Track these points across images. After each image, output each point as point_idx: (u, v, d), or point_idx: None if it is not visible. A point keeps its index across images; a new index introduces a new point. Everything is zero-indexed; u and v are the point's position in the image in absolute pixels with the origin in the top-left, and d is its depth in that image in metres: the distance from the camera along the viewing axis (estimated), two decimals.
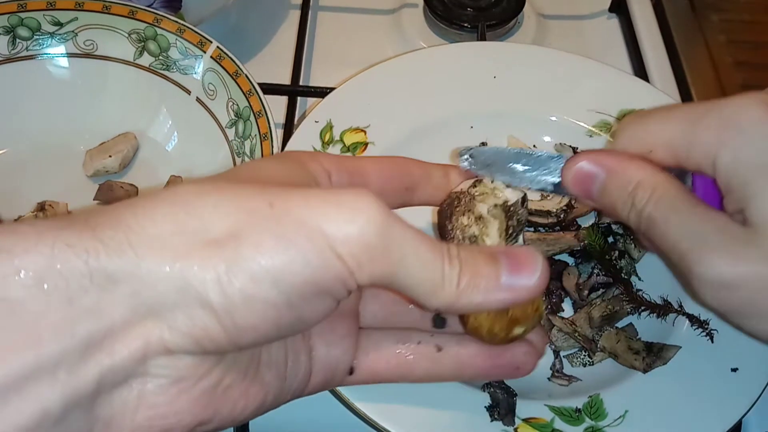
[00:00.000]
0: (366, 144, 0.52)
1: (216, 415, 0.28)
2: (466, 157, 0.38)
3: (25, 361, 0.21)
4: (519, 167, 0.38)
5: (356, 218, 0.25)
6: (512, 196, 0.37)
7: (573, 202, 0.51)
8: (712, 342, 0.44)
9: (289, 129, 0.57)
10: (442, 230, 0.37)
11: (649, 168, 0.34)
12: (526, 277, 0.30)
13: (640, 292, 0.47)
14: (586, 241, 0.47)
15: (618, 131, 0.38)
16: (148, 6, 0.55)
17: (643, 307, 0.46)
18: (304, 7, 0.70)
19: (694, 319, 0.45)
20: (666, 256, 0.34)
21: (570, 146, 0.54)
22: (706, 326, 0.45)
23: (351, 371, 0.34)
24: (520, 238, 0.41)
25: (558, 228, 0.50)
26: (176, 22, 0.54)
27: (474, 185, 0.37)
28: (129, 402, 0.25)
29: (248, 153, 0.49)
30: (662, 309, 0.46)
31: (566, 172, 0.36)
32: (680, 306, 0.46)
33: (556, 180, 0.37)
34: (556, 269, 0.48)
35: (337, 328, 0.34)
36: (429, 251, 0.28)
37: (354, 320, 0.35)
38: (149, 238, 0.24)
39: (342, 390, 0.40)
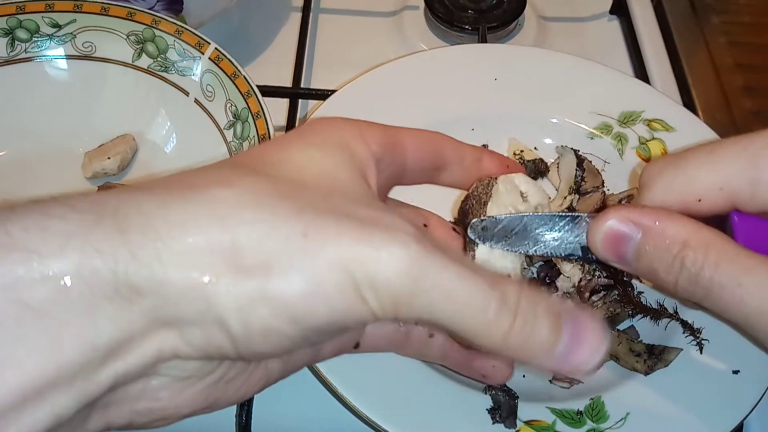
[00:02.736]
0: None
1: (215, 404, 0.28)
2: (478, 232, 0.34)
3: (47, 369, 0.21)
4: (541, 234, 0.33)
5: (384, 265, 0.24)
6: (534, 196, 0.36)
7: (573, 204, 0.51)
8: (701, 353, 0.44)
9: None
10: (466, 216, 0.36)
11: (692, 223, 0.29)
12: (585, 356, 0.27)
13: (642, 295, 0.47)
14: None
15: (646, 181, 0.33)
16: (149, 9, 0.55)
17: (638, 310, 0.46)
18: (306, 10, 0.70)
19: (687, 326, 0.45)
20: (735, 323, 0.30)
21: (571, 148, 0.54)
22: (698, 335, 0.45)
23: (356, 346, 0.35)
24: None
25: None
26: (174, 23, 0.54)
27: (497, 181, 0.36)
28: (131, 394, 0.25)
29: None
30: (656, 313, 0.46)
31: (593, 234, 0.31)
32: (675, 311, 0.46)
33: (584, 243, 0.33)
34: (556, 271, 0.48)
35: None
36: (472, 299, 0.25)
37: None
38: (179, 253, 0.23)
39: (344, 393, 0.40)
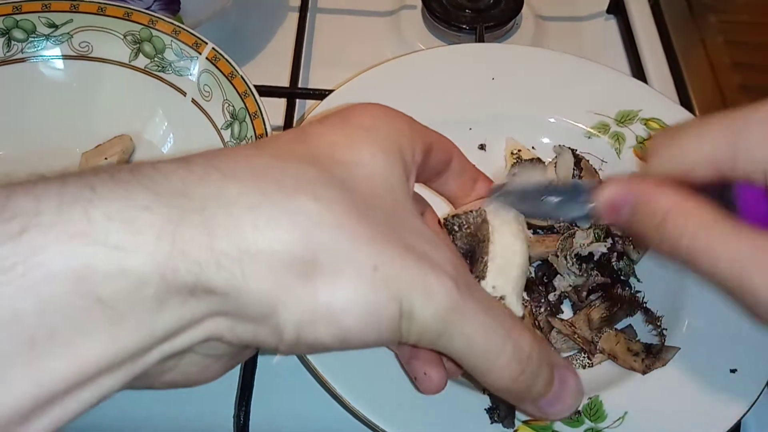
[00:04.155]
0: None
1: (231, 368, 0.29)
2: (500, 194, 0.36)
3: (103, 359, 0.21)
4: (551, 200, 0.36)
5: (428, 306, 0.26)
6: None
7: None
8: (664, 343, 0.45)
9: None
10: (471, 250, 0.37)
11: (678, 195, 0.32)
12: (558, 411, 0.30)
13: (639, 293, 0.47)
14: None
15: (650, 153, 0.35)
16: (146, 9, 0.55)
17: (623, 308, 0.46)
18: (303, 9, 0.70)
19: (649, 313, 0.46)
20: (716, 285, 0.32)
21: (569, 147, 0.54)
22: (658, 324, 0.45)
23: None
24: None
25: (556, 230, 0.50)
26: (171, 23, 0.54)
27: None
28: (163, 367, 0.26)
29: None
30: (629, 303, 0.46)
31: (597, 197, 0.34)
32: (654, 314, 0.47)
33: (586, 210, 0.35)
34: (553, 271, 0.48)
35: None
36: (488, 347, 0.27)
37: None
38: (261, 261, 0.23)
39: (342, 392, 0.40)
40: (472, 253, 0.37)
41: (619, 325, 0.46)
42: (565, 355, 0.46)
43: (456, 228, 0.37)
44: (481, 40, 0.66)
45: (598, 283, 0.47)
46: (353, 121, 0.30)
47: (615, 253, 0.47)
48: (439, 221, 0.39)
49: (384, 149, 0.29)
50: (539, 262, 0.50)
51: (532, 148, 0.56)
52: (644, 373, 0.43)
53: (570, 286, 0.47)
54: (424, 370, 0.34)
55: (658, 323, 0.45)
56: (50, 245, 0.20)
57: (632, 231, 0.34)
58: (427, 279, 0.26)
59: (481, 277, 0.34)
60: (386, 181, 0.28)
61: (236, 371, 0.46)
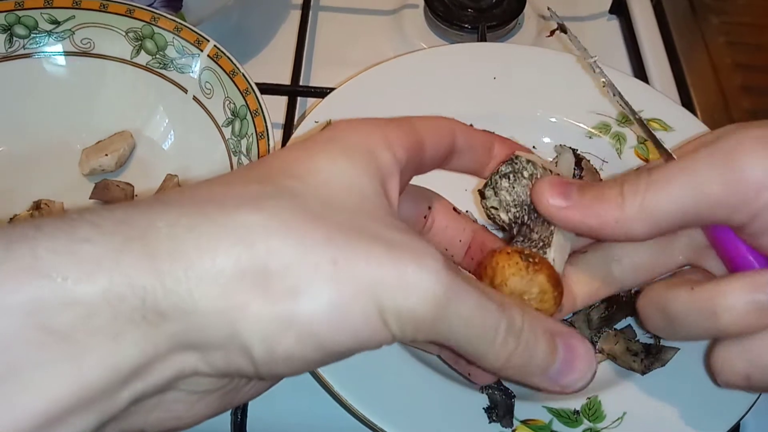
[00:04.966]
0: None
1: (225, 409, 0.28)
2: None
3: (70, 395, 0.21)
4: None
5: (412, 294, 0.24)
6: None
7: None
8: (660, 344, 0.44)
9: (288, 129, 0.57)
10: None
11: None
12: (573, 381, 0.29)
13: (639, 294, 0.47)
14: None
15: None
16: (148, 6, 0.55)
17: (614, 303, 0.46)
18: (305, 8, 0.70)
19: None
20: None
21: (570, 147, 0.54)
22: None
23: None
24: None
25: None
26: (173, 20, 0.54)
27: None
28: (146, 407, 0.25)
29: (244, 152, 0.49)
30: (626, 304, 0.46)
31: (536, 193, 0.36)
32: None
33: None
34: None
35: None
36: (485, 325, 0.26)
37: None
38: (208, 281, 0.22)
39: (340, 391, 0.40)
40: (521, 221, 0.37)
41: (619, 326, 0.46)
42: None
43: (524, 174, 0.37)
44: (483, 39, 0.66)
45: None
46: (315, 138, 0.29)
47: None
48: (455, 208, 0.39)
49: (347, 154, 0.28)
50: None
51: (534, 147, 0.56)
52: (643, 373, 0.43)
53: None
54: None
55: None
56: None
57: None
58: (402, 265, 0.24)
59: (546, 244, 0.35)
60: (349, 181, 0.27)
61: None
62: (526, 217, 0.37)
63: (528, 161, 0.37)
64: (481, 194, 0.38)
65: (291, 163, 0.27)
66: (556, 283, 0.34)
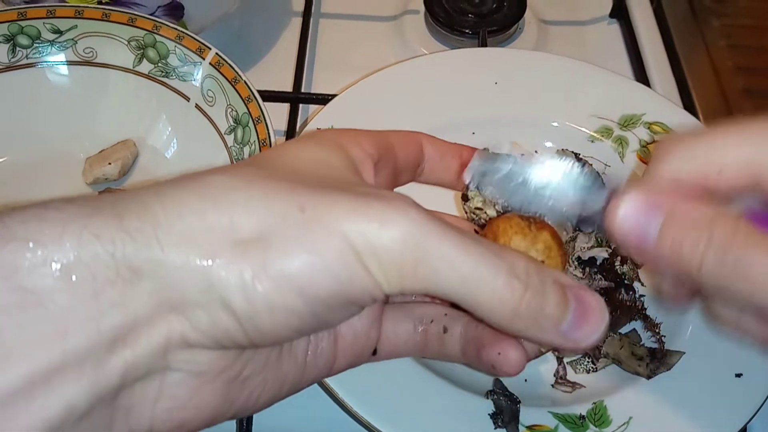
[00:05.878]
0: None
1: (232, 406, 0.28)
2: (474, 174, 0.35)
3: (53, 355, 0.21)
4: (542, 190, 0.32)
5: (384, 231, 0.24)
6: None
7: None
8: (664, 349, 0.44)
9: (291, 136, 0.57)
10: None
11: (710, 206, 0.28)
12: (587, 334, 0.27)
13: (643, 298, 0.47)
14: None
15: (662, 152, 0.30)
16: (150, 14, 0.55)
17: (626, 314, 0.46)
18: (306, 14, 0.70)
19: (647, 319, 0.46)
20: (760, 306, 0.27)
21: (572, 151, 0.54)
22: (656, 331, 0.45)
23: (374, 353, 0.34)
24: None
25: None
26: (175, 29, 0.54)
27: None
28: (149, 394, 0.25)
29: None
30: (629, 308, 0.45)
31: (611, 221, 0.29)
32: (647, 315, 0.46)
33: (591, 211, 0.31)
34: None
35: (364, 318, 0.32)
36: (479, 264, 0.25)
37: (379, 307, 0.34)
38: (176, 234, 0.23)
39: (345, 397, 0.40)
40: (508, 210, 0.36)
41: (624, 330, 0.46)
42: (568, 360, 0.46)
43: (495, 164, 0.36)
44: (483, 44, 0.66)
45: (601, 287, 0.47)
46: (293, 140, 0.31)
47: (618, 257, 0.47)
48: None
49: (317, 142, 0.29)
50: None
51: (536, 152, 0.56)
52: (649, 377, 0.43)
53: None
54: (498, 350, 0.32)
55: (657, 329, 0.45)
56: None
57: (658, 252, 0.29)
58: (371, 208, 0.24)
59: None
60: (317, 156, 0.28)
61: None
62: (510, 206, 0.36)
63: (492, 152, 0.36)
64: (464, 197, 0.38)
65: (263, 154, 0.30)
66: (561, 242, 0.33)
